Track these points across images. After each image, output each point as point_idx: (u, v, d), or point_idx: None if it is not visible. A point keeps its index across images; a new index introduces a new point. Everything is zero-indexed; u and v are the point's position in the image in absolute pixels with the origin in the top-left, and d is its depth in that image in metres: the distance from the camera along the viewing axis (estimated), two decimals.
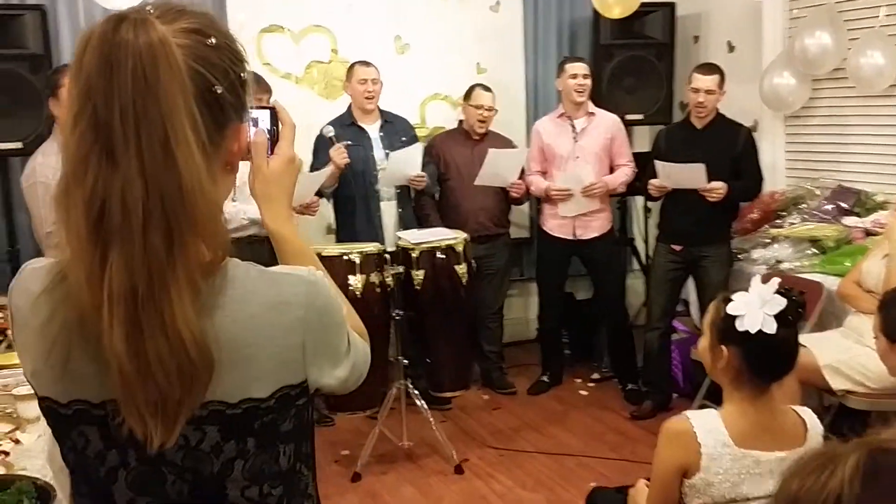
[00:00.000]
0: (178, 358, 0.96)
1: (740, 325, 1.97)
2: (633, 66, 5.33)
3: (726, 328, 2.02)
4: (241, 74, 1.07)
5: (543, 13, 5.73)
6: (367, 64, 4.69)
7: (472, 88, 5.01)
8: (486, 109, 4.94)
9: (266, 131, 1.23)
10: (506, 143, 5.09)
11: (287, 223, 1.25)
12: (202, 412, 1.02)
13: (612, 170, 4.85)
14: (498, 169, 4.73)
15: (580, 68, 4.74)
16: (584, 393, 5.13)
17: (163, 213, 0.95)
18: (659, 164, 4.34)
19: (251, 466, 1.07)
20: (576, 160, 4.79)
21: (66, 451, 1.11)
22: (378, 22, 5.37)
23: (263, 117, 1.24)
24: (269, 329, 1.04)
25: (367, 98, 4.64)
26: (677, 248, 4.52)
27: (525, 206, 5.74)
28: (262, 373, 1.04)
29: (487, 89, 4.97)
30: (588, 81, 4.75)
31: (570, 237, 4.86)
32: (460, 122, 5.14)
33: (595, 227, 4.86)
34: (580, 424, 4.66)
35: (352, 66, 4.73)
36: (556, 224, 4.89)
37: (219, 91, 1.02)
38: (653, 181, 4.43)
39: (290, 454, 1.11)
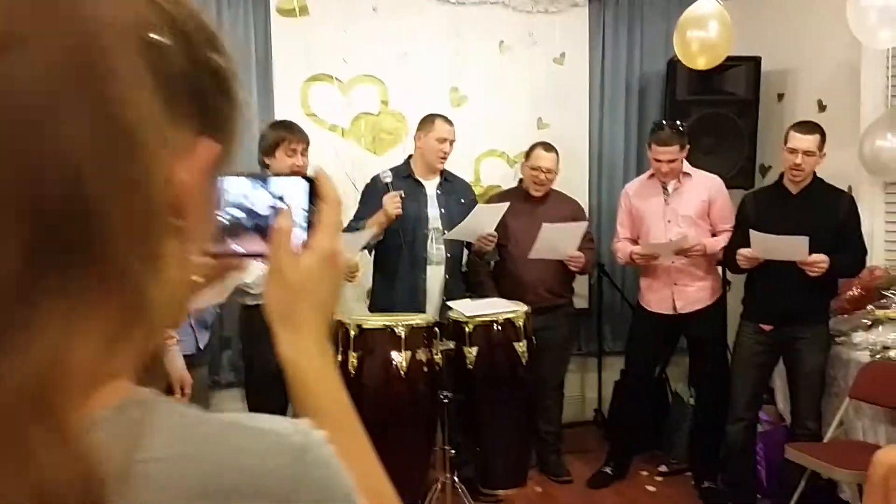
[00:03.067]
0: None
1: None
2: (711, 124, 4.84)
3: None
4: (209, 55, 0.61)
5: (612, 66, 5.31)
6: (449, 122, 4.24)
7: (532, 147, 4.56)
8: (545, 172, 4.47)
9: (298, 211, 0.79)
10: (570, 205, 4.62)
11: (316, 355, 0.79)
12: None
13: (713, 236, 4.30)
14: (553, 243, 4.25)
15: (665, 153, 4.18)
16: (651, 489, 4.53)
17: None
18: (755, 235, 3.80)
19: None
20: (667, 224, 4.28)
21: None
22: (434, 72, 4.99)
23: (294, 189, 0.80)
24: None
25: (441, 158, 4.19)
26: (767, 328, 3.96)
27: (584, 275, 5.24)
28: None
29: (550, 149, 4.51)
30: (676, 164, 4.22)
31: (670, 311, 4.32)
32: (520, 181, 4.68)
33: (698, 298, 4.31)
34: None
35: (431, 118, 4.24)
36: (654, 297, 4.37)
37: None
38: (743, 251, 3.90)
39: None
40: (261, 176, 0.80)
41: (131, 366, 0.56)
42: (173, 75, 0.56)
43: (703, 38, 4.06)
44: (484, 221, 4.08)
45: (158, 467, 0.52)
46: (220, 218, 0.75)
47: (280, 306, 0.79)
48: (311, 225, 0.79)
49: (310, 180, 0.80)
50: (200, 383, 3.78)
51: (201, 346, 3.79)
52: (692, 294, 4.31)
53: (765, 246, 3.78)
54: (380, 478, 0.76)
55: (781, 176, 4.02)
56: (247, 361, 3.90)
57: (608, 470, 4.57)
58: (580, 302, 5.34)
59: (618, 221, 4.53)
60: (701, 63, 4.14)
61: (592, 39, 5.27)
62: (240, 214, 0.78)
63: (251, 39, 4.69)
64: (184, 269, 0.60)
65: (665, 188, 4.32)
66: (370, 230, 3.80)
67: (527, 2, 5.12)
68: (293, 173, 0.83)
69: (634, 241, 4.41)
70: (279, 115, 4.60)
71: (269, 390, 3.88)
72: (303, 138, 3.83)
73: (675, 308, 4.32)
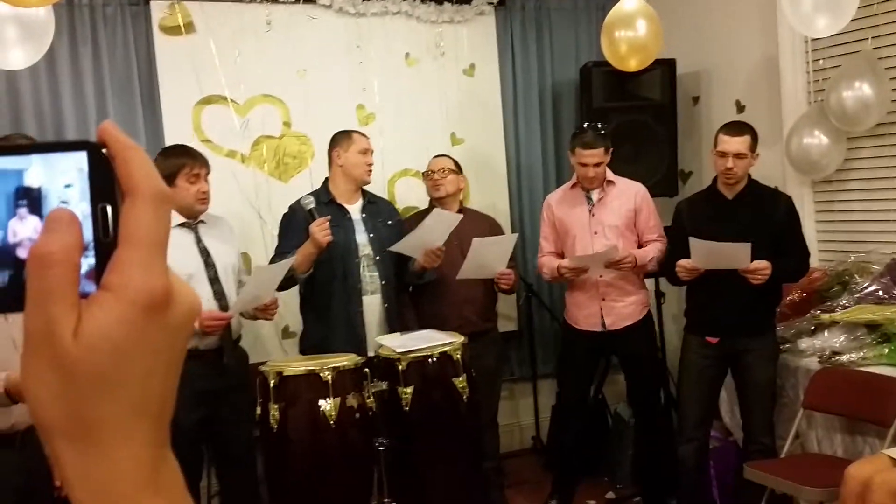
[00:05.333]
0: None
1: None
2: (629, 131, 4.64)
3: None
4: None
5: (523, 75, 5.08)
6: (364, 134, 3.95)
7: (430, 162, 4.31)
8: (441, 170, 4.17)
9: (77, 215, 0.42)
10: (485, 220, 4.33)
11: (136, 494, 0.43)
12: None
13: (639, 246, 4.06)
14: (484, 259, 3.91)
15: (591, 156, 3.90)
16: None
17: None
18: (695, 243, 3.59)
19: None
20: (594, 235, 4.01)
21: None
22: (337, 89, 4.63)
23: (61, 175, 0.43)
24: None
25: (368, 171, 3.86)
26: (713, 340, 3.75)
27: (512, 296, 4.96)
28: None
29: (441, 155, 4.31)
30: (600, 169, 3.96)
31: (599, 329, 4.03)
32: (430, 201, 4.35)
33: (627, 314, 4.02)
34: None
35: (346, 133, 3.91)
36: (581, 315, 4.07)
37: None
38: (683, 262, 3.67)
39: None
40: None
41: None
42: None
43: (632, 38, 3.85)
44: (435, 234, 3.70)
45: None
46: None
47: (56, 410, 0.42)
48: (103, 246, 0.42)
49: (93, 151, 0.42)
50: None
51: None
52: (621, 310, 4.04)
53: (706, 254, 3.57)
54: None
55: (715, 181, 3.84)
56: None
57: (554, 502, 4.27)
58: (509, 324, 5.06)
59: (541, 235, 4.22)
60: (633, 65, 3.93)
61: (501, 49, 5.03)
62: None
63: (132, 60, 4.24)
64: None
65: (589, 197, 4.07)
66: (287, 260, 3.39)
67: (432, 12, 4.83)
68: (57, 144, 0.42)
69: (560, 256, 4.14)
70: (169, 142, 4.16)
71: (178, 449, 3.44)
72: (205, 163, 3.44)
73: (604, 325, 4.05)
